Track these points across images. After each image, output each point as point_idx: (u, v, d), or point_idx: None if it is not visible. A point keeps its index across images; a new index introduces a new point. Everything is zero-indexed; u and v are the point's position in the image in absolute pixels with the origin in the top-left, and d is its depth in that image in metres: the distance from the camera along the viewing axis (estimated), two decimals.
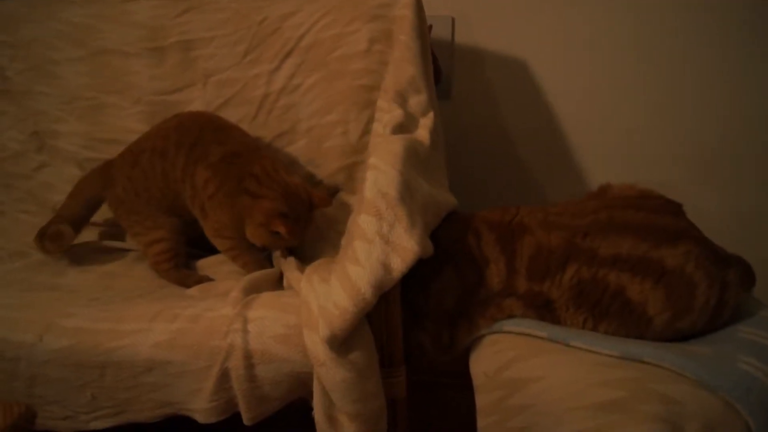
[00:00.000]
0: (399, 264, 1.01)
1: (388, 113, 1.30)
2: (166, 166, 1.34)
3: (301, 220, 1.26)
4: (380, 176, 1.07)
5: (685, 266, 1.00)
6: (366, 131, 1.44)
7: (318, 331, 1.00)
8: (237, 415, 1.10)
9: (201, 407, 1.08)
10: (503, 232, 1.14)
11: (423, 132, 1.28)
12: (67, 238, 1.41)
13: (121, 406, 1.11)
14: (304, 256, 1.35)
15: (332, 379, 1.01)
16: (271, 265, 1.34)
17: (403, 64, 1.38)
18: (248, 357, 1.06)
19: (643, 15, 1.63)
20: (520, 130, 1.78)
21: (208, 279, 1.35)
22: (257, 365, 1.06)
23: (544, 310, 1.07)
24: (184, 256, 1.39)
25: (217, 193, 1.29)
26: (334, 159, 1.48)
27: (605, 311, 1.03)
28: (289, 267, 1.27)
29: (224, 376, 1.06)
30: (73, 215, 1.44)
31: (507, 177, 1.82)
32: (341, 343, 1.00)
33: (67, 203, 1.46)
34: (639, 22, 1.63)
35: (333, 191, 1.46)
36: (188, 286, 1.32)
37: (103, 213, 1.49)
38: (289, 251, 1.37)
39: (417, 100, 1.35)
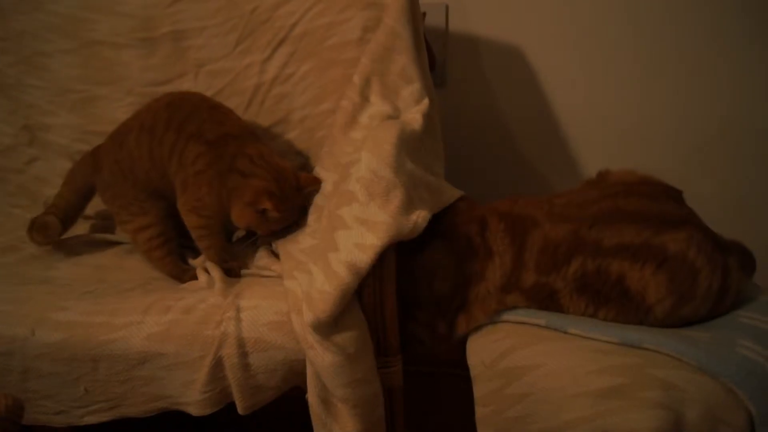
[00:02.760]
0: (372, 239, 1.03)
1: (373, 106, 1.31)
2: (153, 144, 1.31)
3: (288, 202, 1.24)
4: (362, 164, 1.09)
5: (688, 251, 0.99)
6: None
7: (303, 316, 1.01)
8: (232, 409, 1.09)
9: (194, 399, 1.08)
10: (512, 224, 1.13)
11: (416, 116, 1.28)
12: (53, 229, 1.40)
13: (115, 400, 1.11)
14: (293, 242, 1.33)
15: (321, 363, 1.01)
16: (232, 255, 1.32)
17: (392, 54, 1.36)
18: (242, 345, 1.06)
19: (640, 1, 1.62)
20: (515, 117, 1.77)
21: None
22: (251, 353, 1.06)
23: (548, 300, 1.07)
24: (175, 240, 1.36)
25: (208, 170, 1.27)
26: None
27: (606, 298, 1.03)
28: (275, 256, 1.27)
29: (218, 365, 1.06)
30: (67, 204, 1.43)
31: (502, 164, 1.81)
32: (328, 327, 1.01)
33: (60, 192, 1.45)
34: (636, 9, 1.63)
35: None
36: (183, 281, 1.30)
37: (95, 206, 1.48)
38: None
39: (409, 91, 1.34)
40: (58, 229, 1.41)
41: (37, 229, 1.40)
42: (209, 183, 1.26)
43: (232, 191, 1.25)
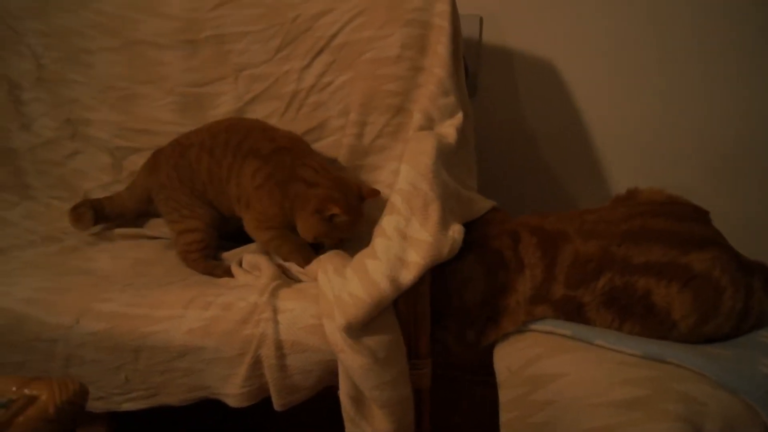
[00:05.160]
0: (414, 257, 1.06)
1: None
2: (212, 164, 1.36)
3: (353, 210, 1.26)
4: (401, 176, 1.13)
5: (713, 271, 1.02)
6: (380, 135, 1.46)
7: (334, 320, 1.04)
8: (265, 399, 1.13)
9: (233, 393, 1.11)
10: (544, 238, 1.16)
11: (449, 130, 1.31)
12: (85, 222, 1.47)
13: (154, 389, 1.14)
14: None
15: (351, 365, 1.04)
16: (316, 253, 1.32)
17: (432, 69, 1.40)
18: (279, 347, 1.09)
19: (667, 19, 1.63)
20: (543, 129, 1.79)
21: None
22: (288, 355, 1.09)
23: (575, 313, 1.10)
24: (213, 248, 1.41)
25: (267, 182, 1.30)
26: (344, 159, 1.49)
27: (631, 313, 1.06)
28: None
29: (256, 363, 1.09)
30: (117, 204, 1.51)
31: (530, 175, 1.83)
32: (358, 331, 1.04)
33: (121, 192, 1.53)
34: (663, 27, 1.64)
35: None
36: (216, 276, 1.34)
37: None
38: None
39: (444, 103, 1.38)
40: (89, 224, 1.48)
41: (74, 216, 1.47)
42: (270, 194, 1.30)
43: (295, 200, 1.27)
